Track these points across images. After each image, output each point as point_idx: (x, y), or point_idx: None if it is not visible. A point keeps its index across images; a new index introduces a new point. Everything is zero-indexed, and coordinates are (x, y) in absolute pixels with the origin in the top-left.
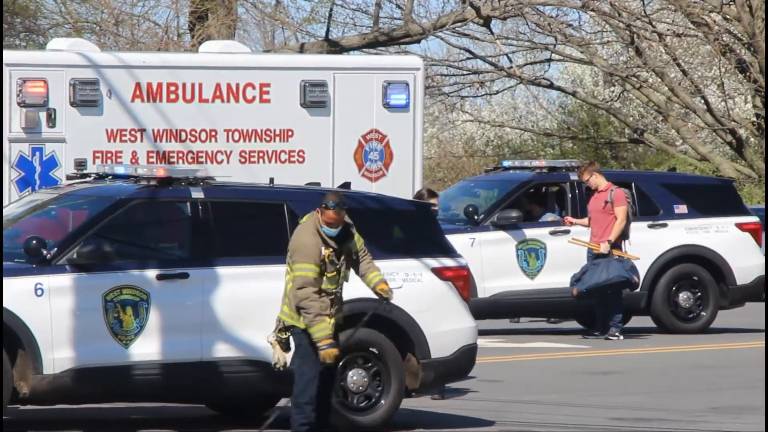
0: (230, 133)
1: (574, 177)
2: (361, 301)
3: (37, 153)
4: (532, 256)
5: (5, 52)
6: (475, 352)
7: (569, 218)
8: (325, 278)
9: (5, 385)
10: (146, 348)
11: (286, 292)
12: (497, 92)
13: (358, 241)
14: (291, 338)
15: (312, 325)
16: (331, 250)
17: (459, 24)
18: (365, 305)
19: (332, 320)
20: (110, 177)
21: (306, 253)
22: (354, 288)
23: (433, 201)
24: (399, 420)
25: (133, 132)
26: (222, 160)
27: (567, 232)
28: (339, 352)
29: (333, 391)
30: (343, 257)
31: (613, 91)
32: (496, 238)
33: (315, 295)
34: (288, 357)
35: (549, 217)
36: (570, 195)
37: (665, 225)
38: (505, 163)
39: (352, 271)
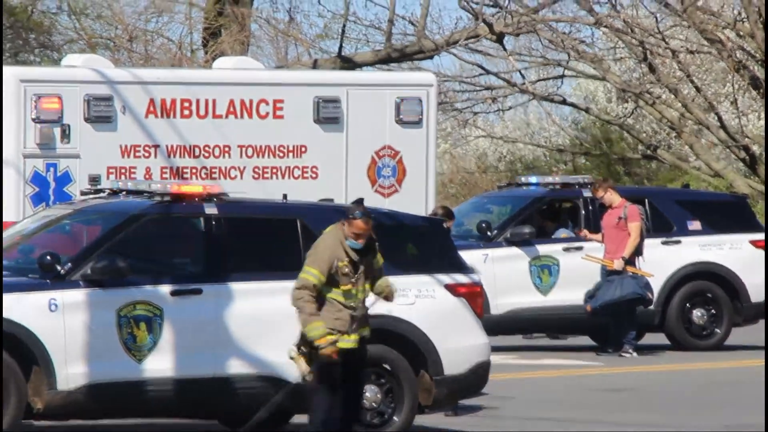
0: (244, 149)
1: (587, 193)
2: (383, 318)
3: (52, 169)
4: (545, 273)
5: (20, 69)
6: (489, 368)
7: (585, 231)
8: (339, 291)
9: (20, 400)
10: (159, 364)
11: None
12: (510, 108)
13: (380, 259)
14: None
15: (305, 325)
16: (347, 262)
17: (472, 40)
18: (387, 321)
19: (353, 336)
20: (124, 192)
21: (316, 259)
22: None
23: (449, 222)
24: None
25: (147, 148)
26: (235, 176)
27: (580, 248)
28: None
29: (358, 410)
30: (361, 271)
31: (626, 108)
32: (509, 255)
33: (311, 298)
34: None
35: (562, 233)
36: (583, 211)
37: (679, 242)
38: (519, 179)
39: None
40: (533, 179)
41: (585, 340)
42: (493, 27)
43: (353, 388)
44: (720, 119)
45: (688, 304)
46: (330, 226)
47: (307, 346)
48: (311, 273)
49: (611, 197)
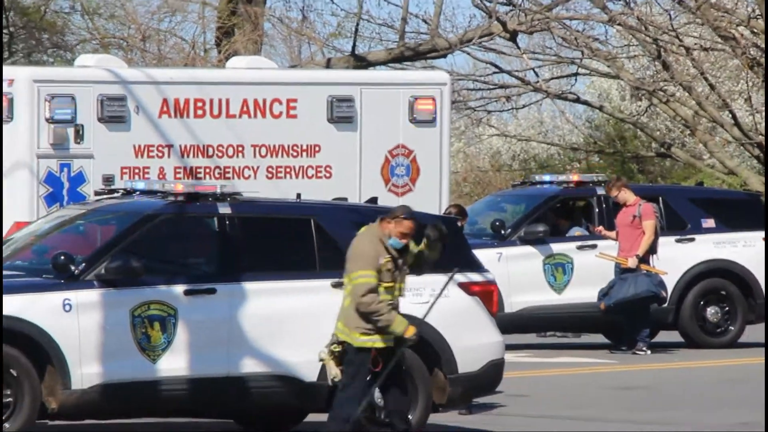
0: (257, 149)
1: (601, 191)
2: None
3: (65, 169)
4: (559, 271)
5: (34, 69)
6: (503, 366)
7: (600, 228)
8: (381, 288)
9: (34, 400)
10: (174, 363)
11: (344, 307)
12: (524, 106)
13: (413, 249)
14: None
15: (391, 324)
16: (389, 259)
17: (485, 38)
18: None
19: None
20: (137, 192)
21: (365, 260)
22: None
23: (463, 221)
24: None
25: (160, 147)
26: (249, 176)
27: (594, 246)
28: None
29: (407, 404)
30: (400, 267)
31: (639, 106)
32: (523, 253)
33: (381, 298)
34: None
35: (576, 231)
36: (597, 209)
37: (693, 239)
38: (532, 178)
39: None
40: (547, 177)
41: (599, 338)
42: (506, 25)
43: (398, 384)
44: (734, 117)
45: (701, 302)
46: (363, 227)
47: (338, 347)
48: (369, 275)
49: (626, 196)
